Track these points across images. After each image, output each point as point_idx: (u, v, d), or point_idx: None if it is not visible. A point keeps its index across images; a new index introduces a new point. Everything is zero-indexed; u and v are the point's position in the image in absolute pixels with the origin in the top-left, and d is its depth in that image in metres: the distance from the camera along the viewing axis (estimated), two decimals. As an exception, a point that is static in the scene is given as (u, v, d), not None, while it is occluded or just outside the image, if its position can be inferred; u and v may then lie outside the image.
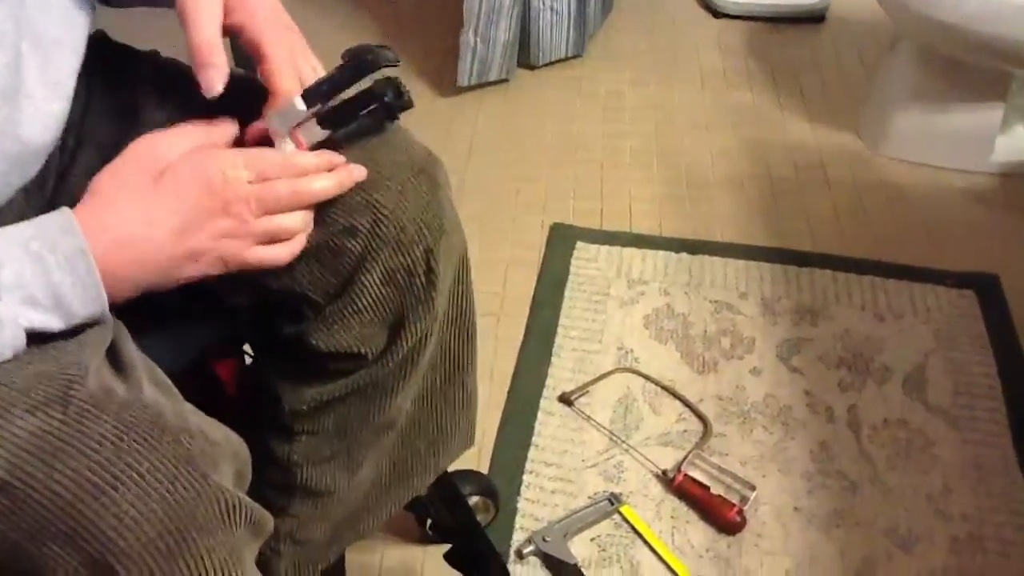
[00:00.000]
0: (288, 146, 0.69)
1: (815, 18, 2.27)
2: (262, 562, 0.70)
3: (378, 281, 0.76)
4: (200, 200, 0.63)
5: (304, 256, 0.75)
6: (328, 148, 0.70)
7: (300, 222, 0.69)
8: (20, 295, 0.56)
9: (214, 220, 0.64)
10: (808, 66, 2.14)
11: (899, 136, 1.83)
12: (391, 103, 0.68)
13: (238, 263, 0.67)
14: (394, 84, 0.68)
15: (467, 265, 0.88)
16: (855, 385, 1.38)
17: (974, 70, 1.71)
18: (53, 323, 0.58)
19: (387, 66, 0.67)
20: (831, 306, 1.51)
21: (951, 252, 1.63)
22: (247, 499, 0.59)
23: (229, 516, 0.56)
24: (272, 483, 0.83)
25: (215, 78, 0.65)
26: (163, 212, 0.62)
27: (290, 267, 0.75)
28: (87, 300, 0.58)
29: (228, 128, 0.69)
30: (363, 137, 0.72)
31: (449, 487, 1.08)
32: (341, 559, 0.99)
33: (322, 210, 0.73)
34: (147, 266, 0.62)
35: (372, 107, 0.68)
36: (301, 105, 0.67)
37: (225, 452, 0.60)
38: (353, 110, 0.69)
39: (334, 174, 0.69)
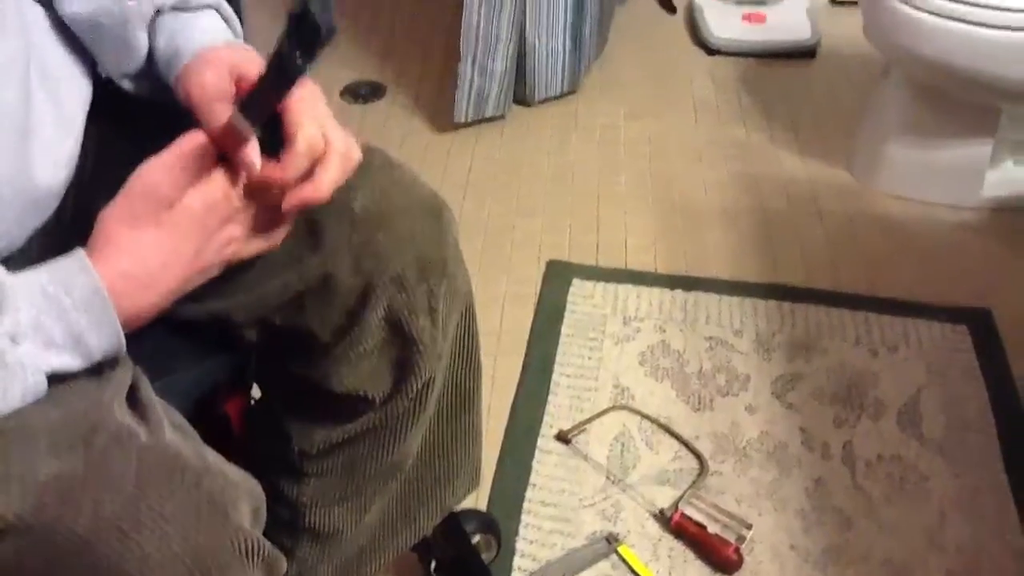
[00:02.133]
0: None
1: (806, 53, 2.31)
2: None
3: (382, 320, 0.77)
4: (212, 223, 0.64)
5: (310, 294, 0.76)
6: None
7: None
8: (40, 339, 0.57)
9: (222, 233, 0.65)
10: (800, 100, 2.16)
11: (890, 170, 1.85)
12: (305, 33, 0.57)
13: (238, 259, 0.69)
14: (302, 12, 0.57)
15: (472, 307, 0.90)
16: (849, 421, 1.40)
17: (963, 105, 1.73)
18: (73, 363, 0.59)
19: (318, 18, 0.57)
20: (825, 341, 1.53)
21: (943, 285, 1.65)
22: (264, 539, 0.60)
23: (247, 556, 0.58)
24: (279, 523, 0.84)
25: (251, 153, 0.64)
26: (181, 245, 0.63)
27: (298, 304, 0.77)
28: (104, 338, 0.59)
29: (200, 135, 0.67)
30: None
31: (454, 526, 1.09)
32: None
33: (328, 248, 0.75)
34: (164, 294, 0.64)
35: (294, 31, 0.58)
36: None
37: (242, 491, 0.61)
38: (280, 43, 0.59)
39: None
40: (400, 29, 2.40)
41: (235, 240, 0.67)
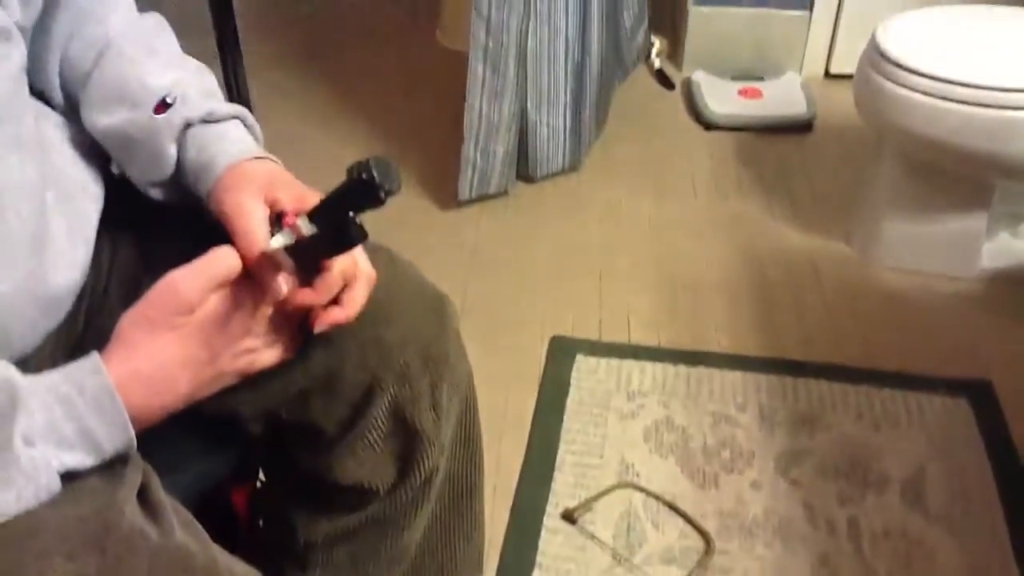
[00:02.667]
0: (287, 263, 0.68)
1: (803, 127, 2.36)
2: None
3: (386, 413, 0.79)
4: (230, 332, 0.67)
5: (316, 389, 0.78)
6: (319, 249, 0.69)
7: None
8: (53, 439, 0.59)
9: (239, 343, 0.68)
10: (798, 174, 2.21)
11: (888, 243, 1.88)
12: (372, 183, 0.61)
13: (253, 371, 0.71)
14: (378, 162, 0.62)
15: (473, 395, 0.92)
16: (854, 496, 1.40)
17: (957, 179, 1.77)
18: (86, 461, 0.61)
19: (387, 191, 0.62)
20: (827, 415, 1.54)
21: (943, 357, 1.66)
22: None
23: None
24: None
25: (282, 284, 0.67)
26: (195, 350, 0.66)
27: (304, 399, 0.79)
28: (115, 436, 0.61)
29: (236, 259, 0.70)
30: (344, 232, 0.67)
31: None
32: None
33: (335, 346, 0.77)
34: (177, 398, 0.66)
35: (355, 193, 0.63)
36: (305, 224, 0.67)
37: None
38: (339, 201, 0.65)
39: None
40: (404, 110, 2.46)
41: (252, 351, 0.69)
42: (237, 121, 0.78)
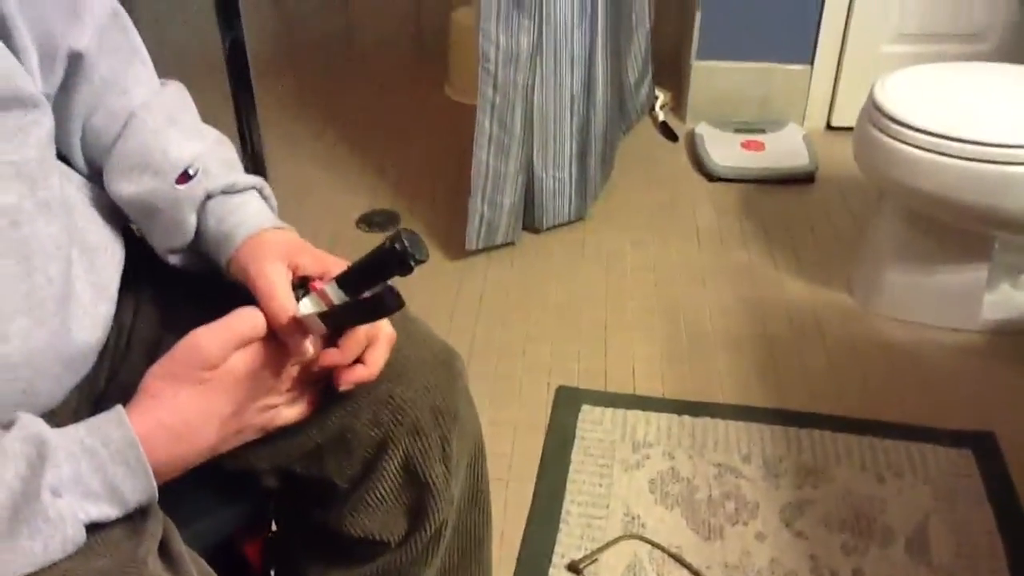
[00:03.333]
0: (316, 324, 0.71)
1: (805, 179, 2.39)
2: None
3: (398, 467, 0.81)
4: (254, 388, 0.70)
5: (330, 445, 0.80)
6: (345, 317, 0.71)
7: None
8: (79, 490, 0.61)
9: (262, 399, 0.71)
10: (800, 225, 2.24)
11: (890, 294, 1.91)
12: (405, 252, 0.66)
13: (274, 427, 0.74)
14: (409, 234, 0.67)
15: (482, 448, 0.94)
16: (859, 548, 1.41)
17: (957, 231, 1.80)
18: (111, 513, 0.62)
19: (417, 260, 0.67)
20: (832, 467, 1.55)
21: (946, 409, 1.68)
22: None
23: None
24: None
25: (309, 347, 0.71)
26: (219, 403, 0.68)
27: (317, 454, 0.81)
28: (139, 487, 0.63)
29: (261, 320, 0.72)
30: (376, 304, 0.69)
31: None
32: None
33: (349, 403, 0.79)
34: (201, 451, 0.68)
35: (387, 263, 0.67)
36: (333, 290, 0.71)
37: None
38: (370, 269, 0.69)
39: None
40: (413, 160, 2.51)
41: (274, 407, 0.72)
42: (255, 191, 0.81)
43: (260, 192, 0.81)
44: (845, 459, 1.57)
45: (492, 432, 1.60)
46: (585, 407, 1.68)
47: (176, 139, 0.80)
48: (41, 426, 0.61)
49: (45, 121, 0.73)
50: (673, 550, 1.40)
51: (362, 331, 0.73)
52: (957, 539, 1.43)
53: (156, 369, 0.68)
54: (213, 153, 0.80)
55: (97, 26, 0.80)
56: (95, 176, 0.83)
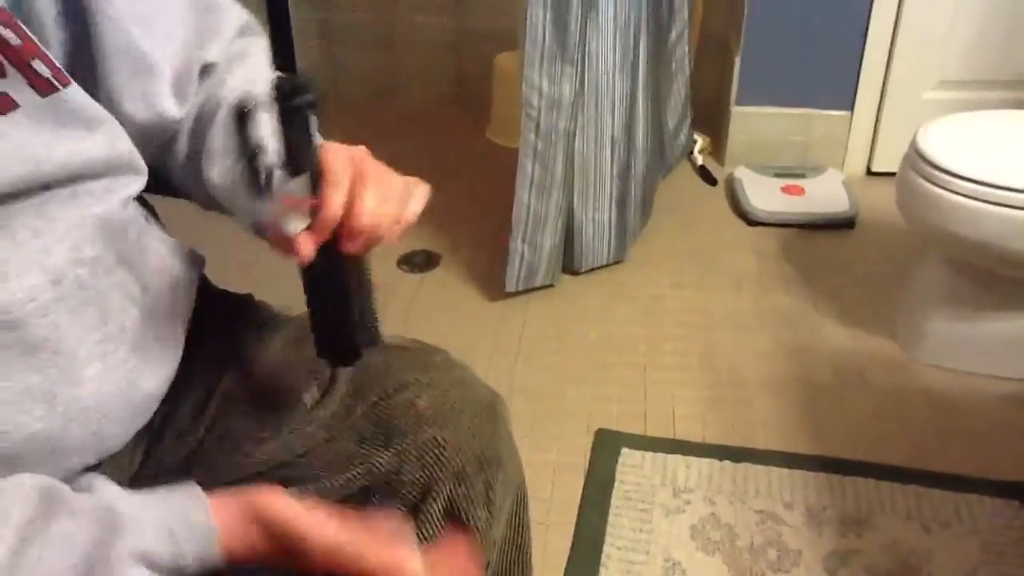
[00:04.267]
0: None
1: (846, 224, 2.39)
2: None
3: (441, 511, 0.82)
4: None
5: (375, 488, 0.81)
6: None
7: None
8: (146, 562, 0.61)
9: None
10: (842, 270, 2.23)
11: (935, 342, 1.89)
12: (284, 88, 0.63)
13: None
14: (289, 82, 0.63)
15: (524, 493, 0.94)
16: (905, 601, 1.39)
17: (1003, 278, 1.78)
18: None
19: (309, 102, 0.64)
20: (876, 516, 1.53)
21: (993, 460, 1.65)
22: None
23: None
24: None
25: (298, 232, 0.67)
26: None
27: (363, 497, 0.82)
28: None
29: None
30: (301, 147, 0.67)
31: None
32: None
33: (397, 447, 0.80)
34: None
35: (285, 112, 0.64)
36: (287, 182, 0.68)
37: None
38: (284, 134, 0.65)
39: None
40: (454, 202, 2.54)
41: None
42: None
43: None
44: (890, 508, 1.54)
45: (531, 475, 1.59)
46: (625, 450, 1.68)
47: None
48: (115, 498, 0.63)
49: (136, 184, 0.75)
50: (715, 598, 1.39)
51: (335, 177, 0.67)
52: (1006, 593, 1.40)
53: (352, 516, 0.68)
54: None
55: (228, 38, 0.83)
56: (189, 166, 0.82)
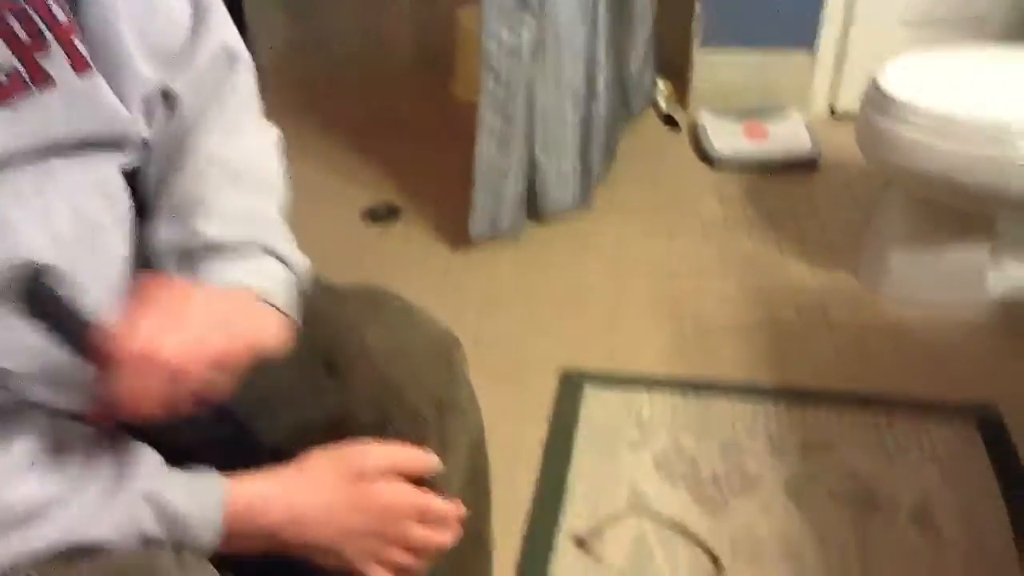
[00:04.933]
0: None
1: (808, 165, 2.40)
2: None
3: None
4: (382, 523, 0.73)
5: (331, 429, 0.81)
6: None
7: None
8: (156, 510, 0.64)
9: (371, 542, 0.73)
10: (805, 211, 2.24)
11: (896, 276, 1.90)
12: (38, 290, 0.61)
13: (360, 572, 0.74)
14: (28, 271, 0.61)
15: (481, 431, 0.94)
16: (863, 520, 1.41)
17: (960, 211, 1.80)
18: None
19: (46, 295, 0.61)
20: (837, 442, 1.55)
21: (951, 385, 1.67)
22: None
23: None
24: None
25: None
26: (344, 512, 0.71)
27: (316, 436, 0.81)
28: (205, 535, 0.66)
29: (425, 461, 0.77)
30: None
31: None
32: None
33: (348, 385, 0.80)
34: (292, 541, 0.70)
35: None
36: None
37: None
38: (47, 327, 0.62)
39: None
40: (417, 156, 2.52)
41: (377, 554, 0.73)
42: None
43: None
44: (850, 435, 1.57)
45: (497, 419, 1.60)
46: (589, 390, 1.69)
47: (222, 206, 0.75)
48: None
49: (132, 158, 0.76)
50: (678, 525, 1.41)
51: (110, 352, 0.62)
52: (963, 513, 1.42)
53: (319, 451, 0.72)
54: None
55: (199, 69, 0.80)
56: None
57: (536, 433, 1.61)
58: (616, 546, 1.38)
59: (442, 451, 0.82)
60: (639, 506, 1.45)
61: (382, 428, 0.80)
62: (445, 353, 0.86)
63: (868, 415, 1.61)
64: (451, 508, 0.77)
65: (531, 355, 1.81)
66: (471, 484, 0.92)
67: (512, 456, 1.56)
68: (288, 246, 0.75)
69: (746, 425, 1.60)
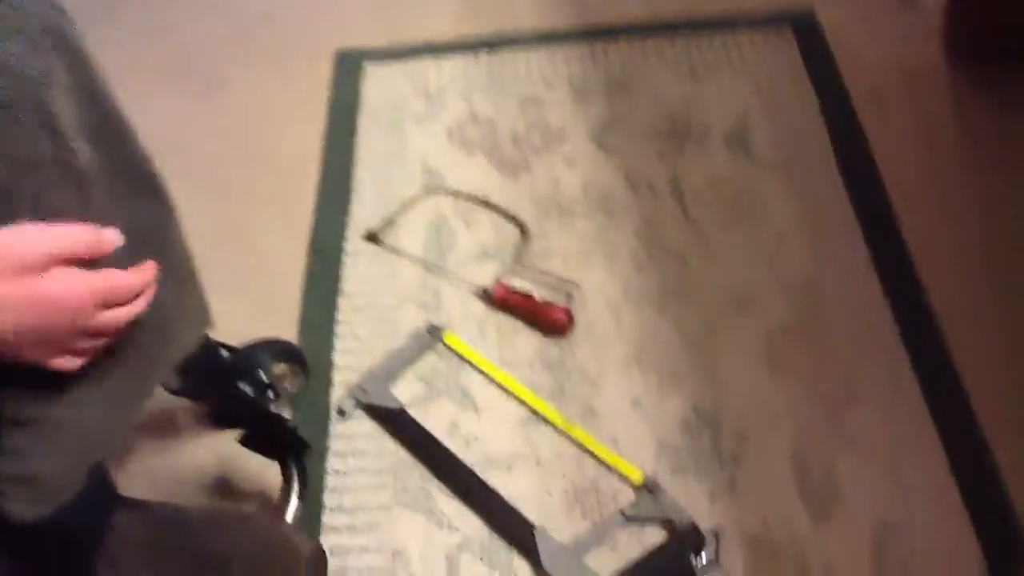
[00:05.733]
0: None
1: None
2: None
3: None
4: (57, 318, 0.61)
5: None
6: None
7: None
8: None
9: (51, 336, 0.61)
10: None
11: None
12: None
13: (47, 365, 0.64)
14: None
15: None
16: (674, 152, 1.29)
17: None
18: None
19: None
20: (644, 75, 1.40)
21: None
22: None
23: None
24: None
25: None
26: (12, 309, 0.59)
27: None
28: None
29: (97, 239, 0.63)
30: None
31: (214, 371, 0.97)
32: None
33: None
34: None
35: None
36: None
37: None
38: None
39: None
40: None
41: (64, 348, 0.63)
42: None
43: None
44: (658, 65, 1.41)
45: (265, 116, 1.41)
46: (369, 67, 1.47)
47: None
48: None
49: None
50: (478, 196, 1.27)
51: None
52: (779, 126, 1.32)
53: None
54: None
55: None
56: None
57: (313, 123, 1.41)
58: (412, 234, 1.24)
59: None
60: (433, 185, 1.29)
61: None
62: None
63: (676, 39, 1.44)
64: (136, 278, 0.65)
65: (303, 35, 1.55)
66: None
67: (288, 153, 1.37)
68: None
69: (546, 77, 1.42)
